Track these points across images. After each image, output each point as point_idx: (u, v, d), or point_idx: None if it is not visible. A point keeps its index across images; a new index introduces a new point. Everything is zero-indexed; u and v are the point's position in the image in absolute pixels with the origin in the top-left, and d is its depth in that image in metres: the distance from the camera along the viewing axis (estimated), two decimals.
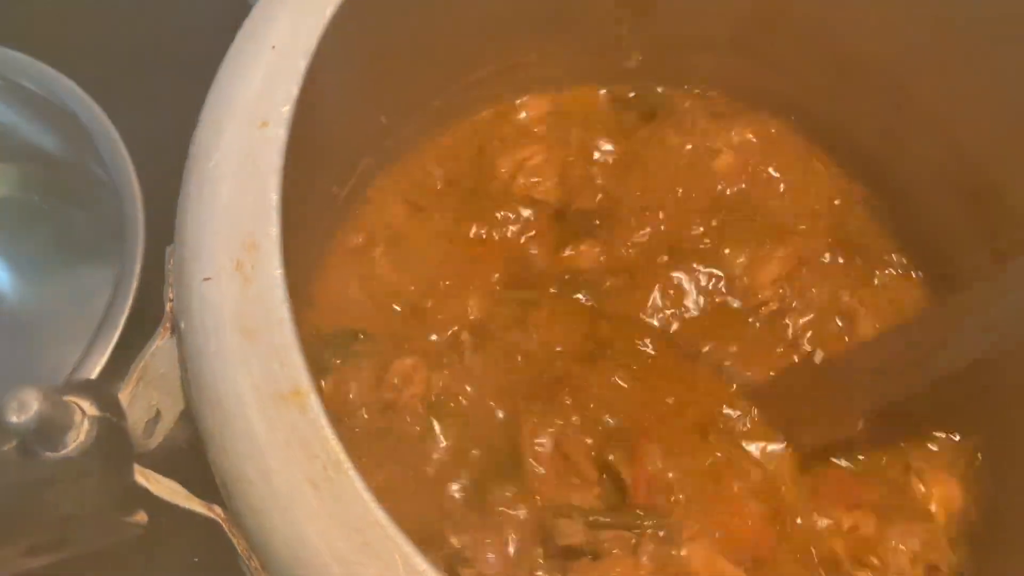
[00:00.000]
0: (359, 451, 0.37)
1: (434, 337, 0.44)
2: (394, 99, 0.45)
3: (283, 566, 0.26)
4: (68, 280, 0.54)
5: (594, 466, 0.40)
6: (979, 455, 0.43)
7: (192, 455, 0.30)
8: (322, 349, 0.43)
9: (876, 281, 0.47)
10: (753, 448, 0.42)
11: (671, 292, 0.45)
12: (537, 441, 0.41)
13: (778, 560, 0.40)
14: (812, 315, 0.45)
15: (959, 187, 0.45)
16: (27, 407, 0.25)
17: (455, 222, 0.47)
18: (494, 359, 0.43)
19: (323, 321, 0.44)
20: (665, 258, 0.46)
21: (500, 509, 0.39)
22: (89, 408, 0.27)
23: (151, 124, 0.45)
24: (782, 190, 0.49)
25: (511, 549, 0.38)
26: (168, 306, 0.30)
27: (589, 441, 0.41)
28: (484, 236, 0.47)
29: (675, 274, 0.46)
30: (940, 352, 0.36)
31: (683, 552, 0.38)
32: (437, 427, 0.42)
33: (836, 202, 0.49)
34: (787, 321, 0.45)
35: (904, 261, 0.48)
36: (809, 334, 0.45)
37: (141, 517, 0.29)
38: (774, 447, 0.41)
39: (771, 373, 0.43)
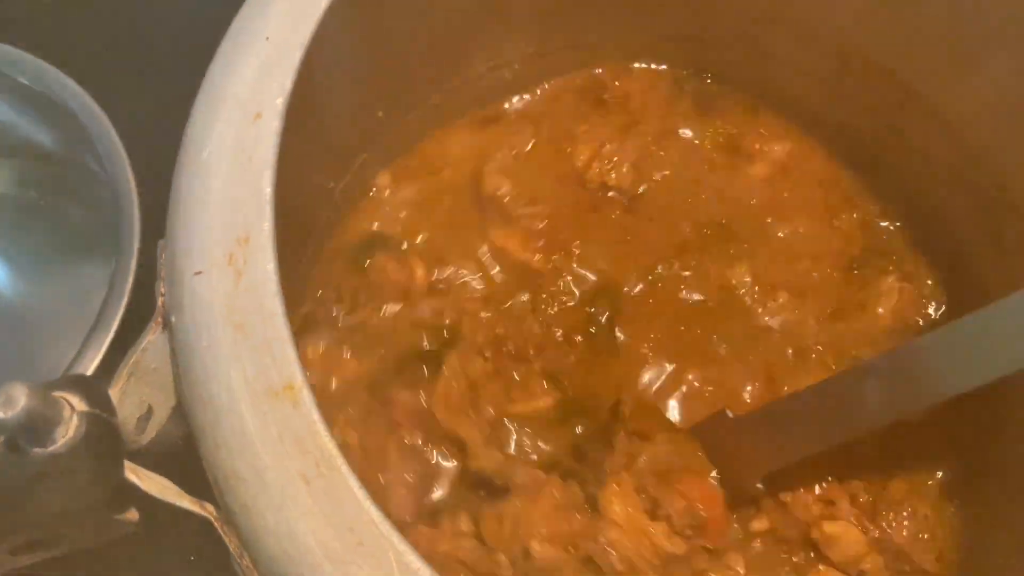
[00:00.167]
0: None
1: None
2: (391, 93, 0.44)
3: (275, 564, 0.26)
4: (65, 276, 0.53)
5: None
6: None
7: (184, 452, 0.29)
8: None
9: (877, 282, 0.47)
10: None
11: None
12: None
13: None
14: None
15: (964, 183, 0.44)
16: (14, 402, 0.24)
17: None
18: None
19: None
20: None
21: None
22: (78, 404, 0.27)
23: (148, 121, 0.45)
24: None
25: None
26: (160, 300, 0.30)
27: None
28: None
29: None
30: (846, 415, 0.37)
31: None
32: None
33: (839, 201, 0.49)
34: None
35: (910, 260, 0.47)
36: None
37: (132, 515, 0.29)
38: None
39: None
